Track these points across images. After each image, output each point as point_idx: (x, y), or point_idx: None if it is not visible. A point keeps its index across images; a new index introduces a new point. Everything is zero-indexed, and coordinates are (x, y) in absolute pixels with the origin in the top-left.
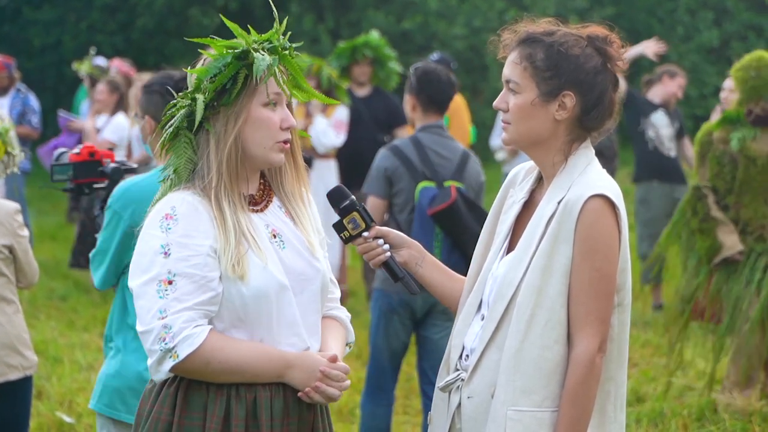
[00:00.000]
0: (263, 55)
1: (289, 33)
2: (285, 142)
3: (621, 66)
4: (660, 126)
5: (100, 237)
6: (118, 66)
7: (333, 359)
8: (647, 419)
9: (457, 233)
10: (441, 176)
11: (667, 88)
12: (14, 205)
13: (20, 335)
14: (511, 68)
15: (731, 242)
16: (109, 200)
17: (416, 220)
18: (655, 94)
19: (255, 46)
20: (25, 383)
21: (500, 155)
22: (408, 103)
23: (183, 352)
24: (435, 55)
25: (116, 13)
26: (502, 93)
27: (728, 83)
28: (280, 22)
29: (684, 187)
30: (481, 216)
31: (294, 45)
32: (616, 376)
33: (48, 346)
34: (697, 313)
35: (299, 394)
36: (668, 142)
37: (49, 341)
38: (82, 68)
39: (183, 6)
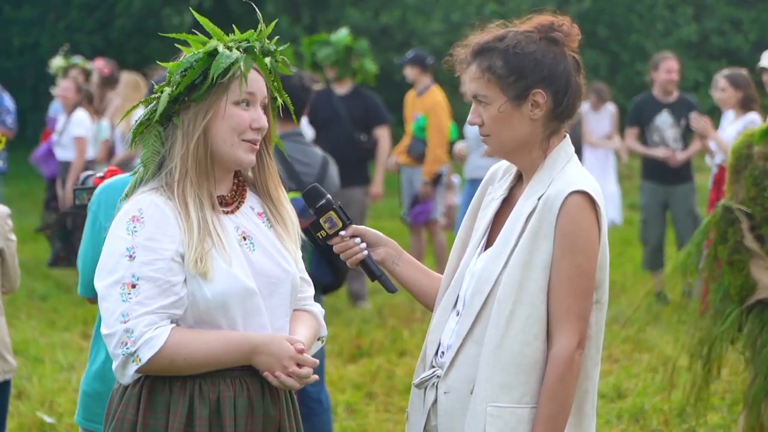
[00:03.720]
0: (230, 52)
1: (275, 38)
2: (253, 141)
3: (575, 45)
4: (664, 128)
5: None
6: (98, 66)
7: (300, 351)
8: (628, 415)
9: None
10: (305, 186)
11: (660, 77)
12: (6, 210)
13: (3, 339)
14: (476, 84)
15: None
16: None
17: None
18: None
19: (231, 44)
20: (4, 387)
21: None
22: None
23: (145, 356)
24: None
25: (95, 11)
26: (473, 108)
27: (722, 82)
28: (257, 23)
29: (679, 188)
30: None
31: (276, 45)
32: (593, 374)
33: (28, 346)
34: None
35: (264, 374)
36: (674, 143)
37: (29, 341)
38: (59, 65)
39: (158, 6)
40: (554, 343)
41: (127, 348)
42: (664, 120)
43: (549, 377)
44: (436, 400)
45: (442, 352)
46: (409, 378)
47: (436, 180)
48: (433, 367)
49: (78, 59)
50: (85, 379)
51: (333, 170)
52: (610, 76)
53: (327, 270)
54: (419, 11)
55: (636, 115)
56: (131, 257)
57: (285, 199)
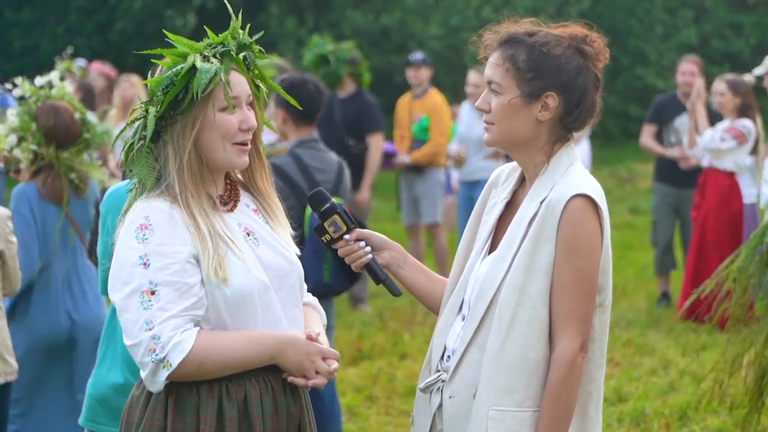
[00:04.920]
0: (208, 65)
1: (258, 32)
2: (244, 143)
3: (602, 65)
4: (683, 131)
5: None
6: (98, 69)
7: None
8: (629, 418)
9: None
10: None
11: (677, 79)
12: (6, 212)
13: (5, 341)
14: (493, 69)
15: None
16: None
17: (308, 244)
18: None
19: (206, 52)
20: (5, 389)
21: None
22: (278, 116)
23: (175, 360)
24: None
25: (94, 14)
26: (483, 94)
27: (721, 87)
28: (259, 24)
29: (692, 191)
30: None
31: (250, 37)
32: (597, 377)
33: None
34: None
35: (290, 378)
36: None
37: None
38: (62, 67)
39: (160, 8)
40: (556, 347)
41: (156, 354)
42: (683, 122)
43: (551, 380)
44: (441, 404)
45: (448, 357)
46: (409, 381)
47: (412, 169)
48: (439, 371)
49: (81, 62)
50: (96, 384)
51: (347, 175)
52: (610, 81)
53: (346, 278)
54: (418, 14)
55: (657, 113)
56: (145, 265)
57: (274, 194)
